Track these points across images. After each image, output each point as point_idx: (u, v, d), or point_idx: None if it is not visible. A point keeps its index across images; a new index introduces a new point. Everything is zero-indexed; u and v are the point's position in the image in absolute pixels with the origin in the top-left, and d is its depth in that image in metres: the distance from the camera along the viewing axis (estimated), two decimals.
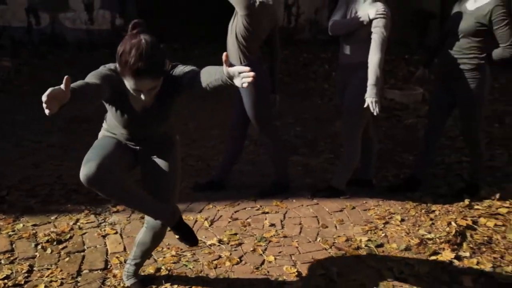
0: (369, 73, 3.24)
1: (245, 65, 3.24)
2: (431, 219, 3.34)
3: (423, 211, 3.46)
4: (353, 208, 3.49)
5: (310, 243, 3.03)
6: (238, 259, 2.80)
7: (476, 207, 3.51)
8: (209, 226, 3.18)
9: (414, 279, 2.66)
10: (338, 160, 4.30)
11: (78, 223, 3.13)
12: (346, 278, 2.65)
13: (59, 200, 3.46)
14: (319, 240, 3.05)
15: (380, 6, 3.26)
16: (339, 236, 3.10)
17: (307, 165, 4.24)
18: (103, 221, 3.19)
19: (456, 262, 2.84)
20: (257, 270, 2.71)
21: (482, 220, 3.32)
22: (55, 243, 2.88)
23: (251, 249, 2.92)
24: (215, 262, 2.76)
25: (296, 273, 2.67)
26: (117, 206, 3.35)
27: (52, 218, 3.21)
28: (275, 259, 2.82)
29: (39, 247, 2.84)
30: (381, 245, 3.00)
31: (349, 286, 2.60)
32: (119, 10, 8.79)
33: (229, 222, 3.24)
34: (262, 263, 2.78)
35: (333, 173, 3.87)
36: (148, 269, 2.66)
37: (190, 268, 2.70)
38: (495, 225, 3.27)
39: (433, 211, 3.46)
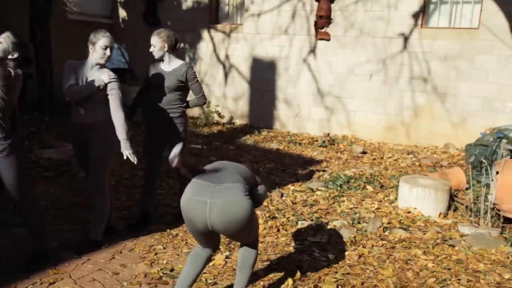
0: (118, 130, 3.65)
1: (4, 137, 3.17)
2: (183, 240, 4.08)
3: (170, 236, 4.15)
4: (121, 252, 3.81)
5: None
6: None
7: None
8: None
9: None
10: (63, 219, 4.38)
11: None
12: None
13: None
14: (126, 285, 3.30)
15: (108, 71, 3.74)
16: (137, 275, 3.43)
17: None
18: None
19: (228, 260, 3.73)
20: None
21: None
22: None
23: None
24: None
25: None
26: None
27: None
28: None
29: None
30: (172, 270, 3.54)
31: None
32: None
33: None
34: None
35: (66, 231, 4.04)
36: None
37: None
38: None
39: (177, 234, 4.20)
